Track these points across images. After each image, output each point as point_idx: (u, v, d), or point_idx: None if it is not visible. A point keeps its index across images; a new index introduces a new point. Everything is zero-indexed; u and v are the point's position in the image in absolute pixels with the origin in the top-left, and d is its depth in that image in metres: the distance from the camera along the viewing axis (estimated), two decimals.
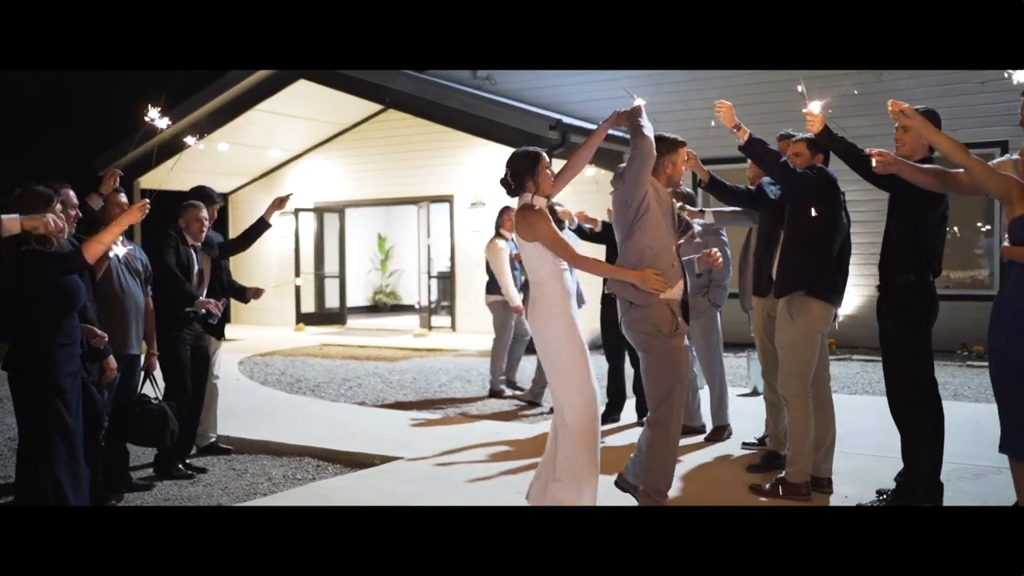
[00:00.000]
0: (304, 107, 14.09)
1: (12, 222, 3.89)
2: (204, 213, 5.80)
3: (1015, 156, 3.89)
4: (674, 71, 12.33)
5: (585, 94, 13.27)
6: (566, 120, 11.80)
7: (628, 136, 4.15)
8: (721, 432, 6.19)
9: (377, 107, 14.36)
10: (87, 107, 18.91)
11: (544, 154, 4.20)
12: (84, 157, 14.93)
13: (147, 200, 4.33)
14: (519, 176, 4.16)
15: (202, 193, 5.98)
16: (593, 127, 12.01)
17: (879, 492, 4.52)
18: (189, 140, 4.91)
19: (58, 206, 4.20)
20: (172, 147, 14.27)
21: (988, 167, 3.65)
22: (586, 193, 9.65)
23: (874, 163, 3.92)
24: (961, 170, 3.81)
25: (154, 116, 4.37)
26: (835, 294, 4.64)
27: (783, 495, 4.67)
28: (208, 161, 14.21)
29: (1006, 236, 3.65)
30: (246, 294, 6.33)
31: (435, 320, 14.95)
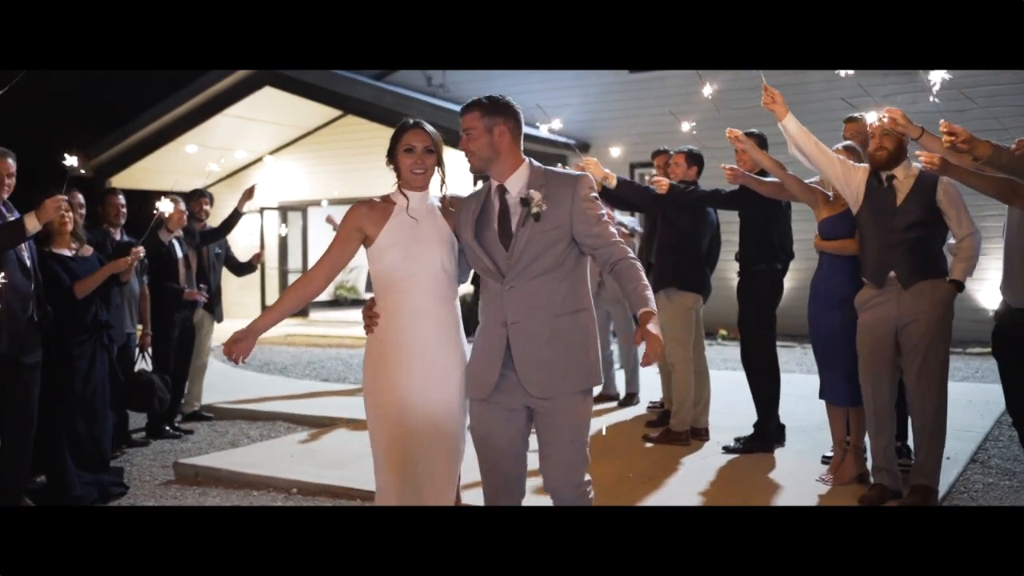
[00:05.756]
0: (269, 112, 15.00)
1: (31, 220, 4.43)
2: (182, 206, 6.77)
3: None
4: (616, 73, 13.53)
5: (531, 100, 14.31)
6: None
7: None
8: (632, 398, 7.34)
9: (338, 112, 15.32)
10: (59, 105, 19.55)
11: (406, 127, 3.28)
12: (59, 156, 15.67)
13: (132, 256, 5.36)
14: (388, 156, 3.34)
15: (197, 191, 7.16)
16: (537, 133, 13.17)
17: (736, 439, 5.68)
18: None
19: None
20: (145, 147, 15.18)
21: (799, 181, 4.82)
22: None
23: (726, 176, 5.08)
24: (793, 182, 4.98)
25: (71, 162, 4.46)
26: (701, 285, 5.86)
27: (667, 441, 5.82)
28: (178, 162, 15.09)
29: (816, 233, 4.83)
30: (251, 263, 7.53)
31: None
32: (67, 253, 5.11)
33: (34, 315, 4.54)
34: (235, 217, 7.25)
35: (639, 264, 3.02)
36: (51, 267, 4.94)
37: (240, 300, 16.64)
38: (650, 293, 2.93)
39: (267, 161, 14.15)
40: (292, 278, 17.12)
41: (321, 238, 18.89)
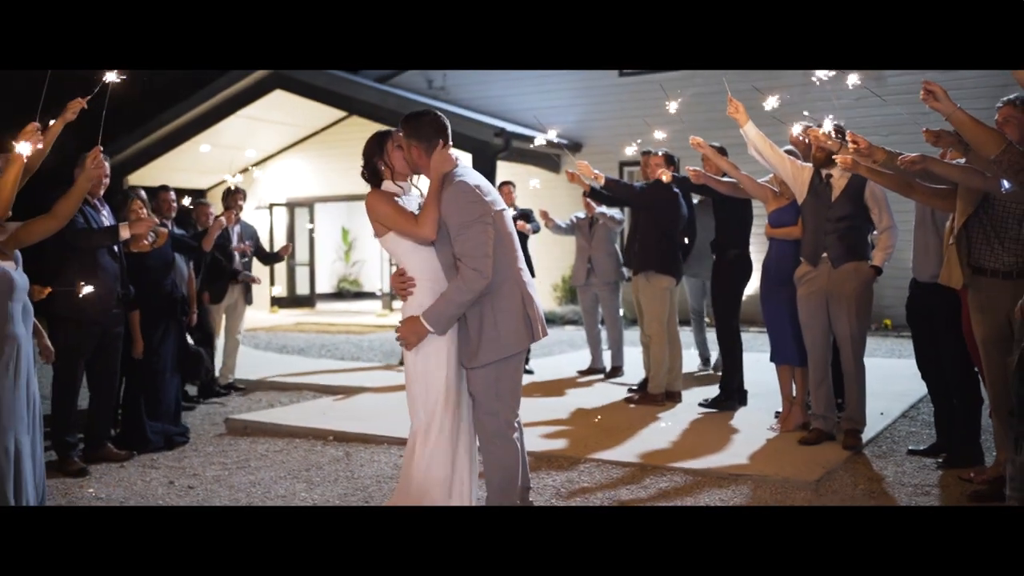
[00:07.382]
0: (278, 113, 15.89)
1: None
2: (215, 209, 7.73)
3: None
4: (608, 77, 14.48)
5: (526, 103, 15.28)
6: (509, 128, 13.76)
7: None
8: (617, 371, 8.30)
9: (343, 113, 16.21)
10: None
11: (392, 133, 3.77)
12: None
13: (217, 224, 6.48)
14: (369, 162, 3.77)
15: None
16: (532, 133, 14.09)
17: (704, 399, 6.65)
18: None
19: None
20: (161, 146, 16.05)
21: (751, 180, 5.80)
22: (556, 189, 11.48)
23: (690, 176, 6.06)
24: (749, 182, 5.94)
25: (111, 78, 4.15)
26: (676, 269, 6.81)
27: (646, 403, 6.78)
28: (192, 160, 16.02)
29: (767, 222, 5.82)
30: (278, 254, 8.45)
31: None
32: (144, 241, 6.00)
33: (119, 292, 5.48)
34: (275, 258, 8.52)
35: (455, 284, 3.55)
36: (132, 253, 5.88)
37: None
38: (434, 310, 3.61)
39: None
40: (300, 271, 18.05)
41: (326, 233, 19.89)
